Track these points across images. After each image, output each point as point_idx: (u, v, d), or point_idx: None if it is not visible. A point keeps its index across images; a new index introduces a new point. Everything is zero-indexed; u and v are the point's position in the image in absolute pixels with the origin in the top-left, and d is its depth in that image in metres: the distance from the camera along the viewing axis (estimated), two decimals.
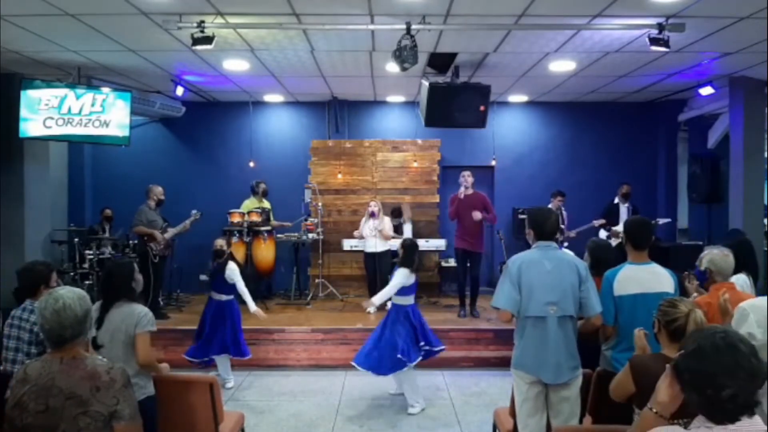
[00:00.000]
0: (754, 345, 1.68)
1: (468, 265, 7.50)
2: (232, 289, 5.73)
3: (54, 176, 8.42)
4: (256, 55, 6.72)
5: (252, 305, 5.69)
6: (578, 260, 3.47)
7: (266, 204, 8.73)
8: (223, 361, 5.88)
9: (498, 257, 9.11)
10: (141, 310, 3.33)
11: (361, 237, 8.01)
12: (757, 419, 1.63)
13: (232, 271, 5.67)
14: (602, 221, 8.27)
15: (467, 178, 7.50)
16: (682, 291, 3.46)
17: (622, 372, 2.59)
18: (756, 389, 1.62)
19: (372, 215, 7.92)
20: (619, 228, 8.18)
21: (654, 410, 1.91)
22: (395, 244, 7.94)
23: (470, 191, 7.50)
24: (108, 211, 8.64)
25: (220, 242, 5.88)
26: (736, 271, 3.60)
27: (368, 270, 8.12)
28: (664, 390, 1.86)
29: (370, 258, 7.96)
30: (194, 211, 7.74)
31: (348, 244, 8.62)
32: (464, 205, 7.37)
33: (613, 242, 7.86)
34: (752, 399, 1.61)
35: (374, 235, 7.84)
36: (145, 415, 3.21)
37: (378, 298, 5.36)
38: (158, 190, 7.65)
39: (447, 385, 5.99)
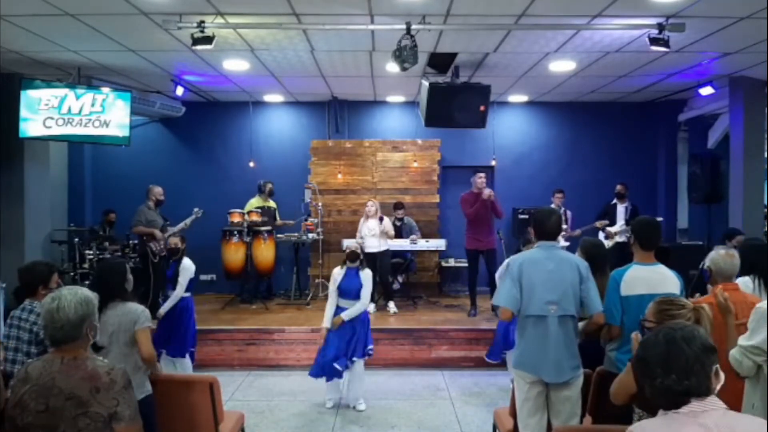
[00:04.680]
0: (703, 342, 1.70)
1: (484, 263, 7.50)
2: (190, 286, 5.58)
3: (54, 176, 8.42)
4: (256, 55, 6.72)
5: (164, 309, 5.47)
6: (580, 260, 3.48)
7: (272, 203, 8.74)
8: (186, 366, 5.57)
9: (498, 257, 9.11)
10: (137, 307, 3.36)
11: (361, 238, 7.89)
12: (713, 399, 1.66)
13: (185, 270, 5.53)
14: (605, 222, 8.29)
15: (484, 179, 7.57)
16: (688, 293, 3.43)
17: (624, 372, 2.59)
18: (698, 381, 1.64)
19: (380, 220, 7.80)
20: (615, 228, 8.23)
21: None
22: (395, 243, 7.99)
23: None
24: (112, 216, 8.64)
25: (174, 240, 5.75)
26: (743, 274, 3.57)
27: None
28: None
29: (371, 258, 7.89)
30: (196, 209, 7.71)
31: (348, 244, 8.57)
32: (482, 204, 7.40)
33: (608, 244, 7.89)
34: (693, 388, 1.64)
35: (374, 235, 7.78)
36: (145, 415, 3.23)
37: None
38: (158, 191, 7.65)
39: (447, 385, 5.99)
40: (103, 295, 3.28)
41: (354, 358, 5.20)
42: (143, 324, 3.31)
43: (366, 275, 5.33)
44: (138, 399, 3.15)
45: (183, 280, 5.49)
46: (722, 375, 1.72)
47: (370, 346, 5.35)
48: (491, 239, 7.51)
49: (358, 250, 5.39)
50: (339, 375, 5.17)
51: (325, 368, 5.14)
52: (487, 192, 7.33)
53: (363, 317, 5.33)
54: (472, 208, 7.41)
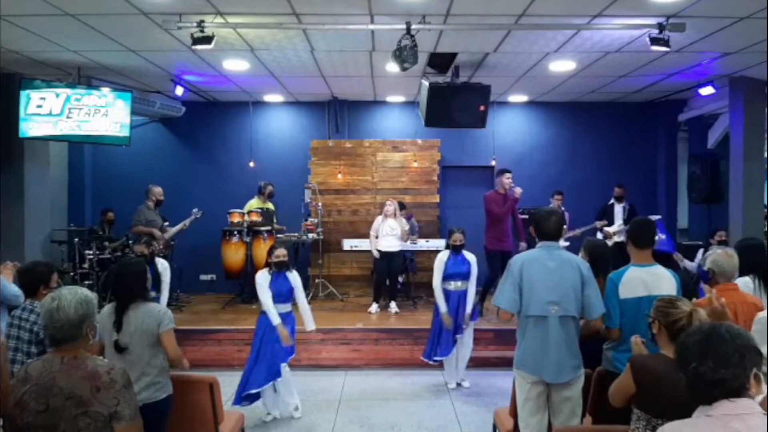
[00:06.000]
0: (749, 340, 1.68)
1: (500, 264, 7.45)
2: (155, 287, 5.54)
3: (54, 176, 8.43)
4: (256, 55, 6.72)
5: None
6: (581, 261, 3.46)
7: (270, 206, 8.73)
8: None
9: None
10: (160, 308, 3.35)
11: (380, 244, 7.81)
12: (748, 402, 1.62)
13: (166, 268, 5.60)
14: (604, 222, 8.30)
15: (512, 179, 7.53)
16: (685, 292, 3.42)
17: (623, 374, 2.59)
18: (734, 375, 1.62)
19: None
20: (613, 229, 8.24)
21: None
22: (407, 244, 7.99)
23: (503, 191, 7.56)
24: (110, 215, 8.63)
25: (140, 248, 5.73)
26: (742, 274, 3.56)
27: (379, 270, 7.90)
28: None
29: (384, 258, 7.82)
30: (195, 210, 7.73)
31: (348, 244, 8.60)
32: (511, 204, 7.38)
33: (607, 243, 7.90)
34: (727, 381, 1.62)
35: (394, 234, 7.77)
36: (165, 414, 3.24)
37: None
38: (157, 191, 7.65)
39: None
40: (124, 296, 3.30)
41: (282, 363, 4.91)
42: (168, 326, 3.28)
43: (294, 276, 5.02)
44: (162, 398, 3.22)
45: (167, 278, 5.56)
46: (765, 387, 1.65)
47: (293, 354, 5.10)
48: (510, 241, 7.50)
49: (286, 258, 5.01)
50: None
51: (251, 382, 4.85)
52: (518, 190, 7.36)
53: (290, 319, 5.04)
54: (501, 209, 7.36)
